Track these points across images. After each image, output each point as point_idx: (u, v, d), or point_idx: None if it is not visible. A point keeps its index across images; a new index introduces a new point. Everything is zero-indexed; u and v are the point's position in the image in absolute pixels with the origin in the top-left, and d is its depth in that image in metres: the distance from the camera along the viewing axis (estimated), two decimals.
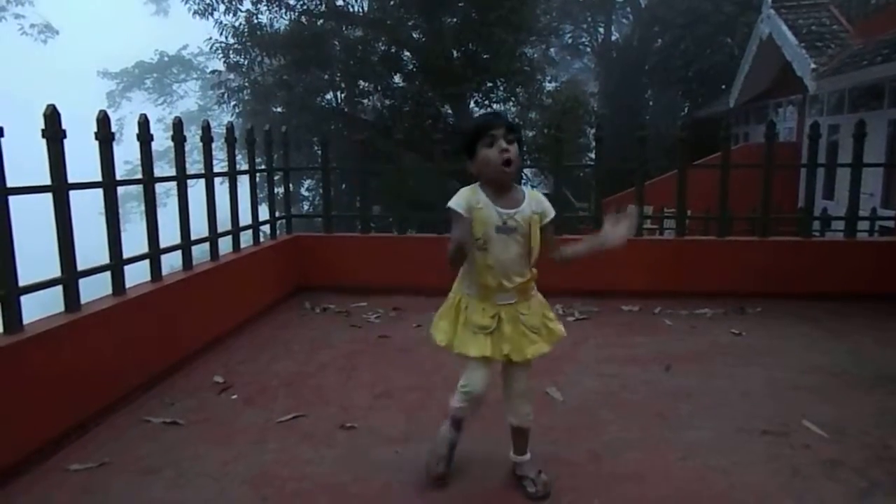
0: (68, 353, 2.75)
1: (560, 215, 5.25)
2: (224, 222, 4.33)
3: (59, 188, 2.84)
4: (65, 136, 2.84)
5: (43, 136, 2.78)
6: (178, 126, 3.82)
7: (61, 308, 2.89)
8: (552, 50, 21.96)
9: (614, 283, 4.94)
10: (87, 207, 4.42)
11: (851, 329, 4.13)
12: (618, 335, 4.10)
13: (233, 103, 15.56)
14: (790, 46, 11.41)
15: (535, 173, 19.83)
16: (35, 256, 5.15)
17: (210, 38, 15.43)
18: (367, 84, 15.39)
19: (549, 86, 17.54)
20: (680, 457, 2.52)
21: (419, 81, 14.86)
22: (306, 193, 16.75)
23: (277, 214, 5.43)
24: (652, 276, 4.96)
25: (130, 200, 23.38)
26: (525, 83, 15.30)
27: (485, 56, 14.65)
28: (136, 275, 3.42)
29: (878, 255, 4.95)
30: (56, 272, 2.86)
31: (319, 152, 6.63)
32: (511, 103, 16.01)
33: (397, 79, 15.59)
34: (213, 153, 4.16)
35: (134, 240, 3.73)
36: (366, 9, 15.55)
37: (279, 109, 15.14)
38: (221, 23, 15.06)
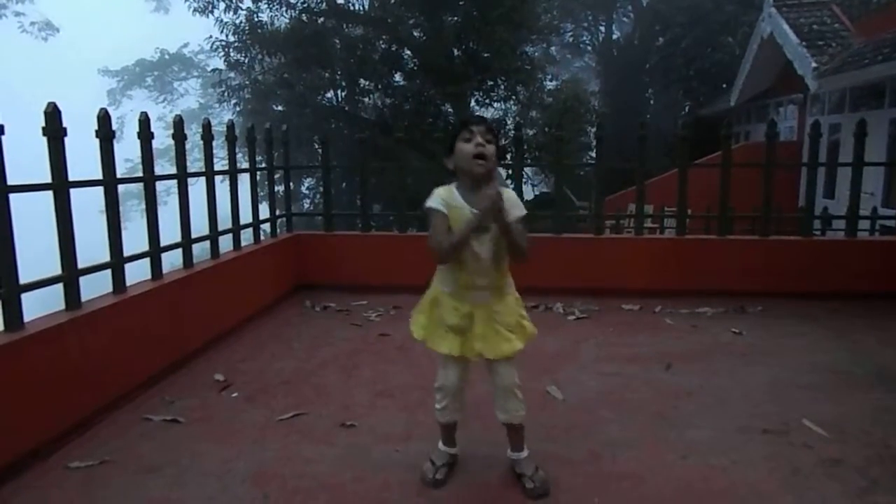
0: (69, 351, 2.75)
1: (561, 214, 5.26)
2: (224, 220, 4.33)
3: (60, 186, 2.84)
4: (65, 134, 2.84)
5: (44, 133, 2.78)
6: (178, 124, 3.82)
7: (62, 306, 2.89)
8: (553, 48, 21.97)
9: (615, 282, 4.94)
10: (87, 205, 4.41)
11: (852, 328, 4.12)
12: (618, 334, 4.10)
13: (233, 101, 15.56)
14: (791, 45, 11.40)
15: (536, 172, 19.82)
16: (36, 254, 5.16)
17: (210, 37, 15.44)
18: (367, 82, 15.39)
19: (550, 84, 17.54)
20: (680, 456, 2.52)
21: (420, 80, 14.85)
22: (307, 192, 16.76)
23: (278, 213, 5.43)
24: (652, 274, 4.96)
25: (131, 198, 23.39)
26: (526, 82, 15.30)
27: (485, 54, 14.64)
28: (137, 273, 3.42)
29: (878, 255, 4.95)
30: (57, 270, 2.86)
31: (320, 151, 6.64)
32: (512, 102, 16.02)
33: (398, 77, 15.59)
34: (214, 151, 4.16)
35: (134, 238, 3.73)
36: (366, 7, 15.55)
37: (280, 108, 15.14)
38: (222, 21, 15.07)
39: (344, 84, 15.64)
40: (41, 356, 2.60)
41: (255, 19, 14.92)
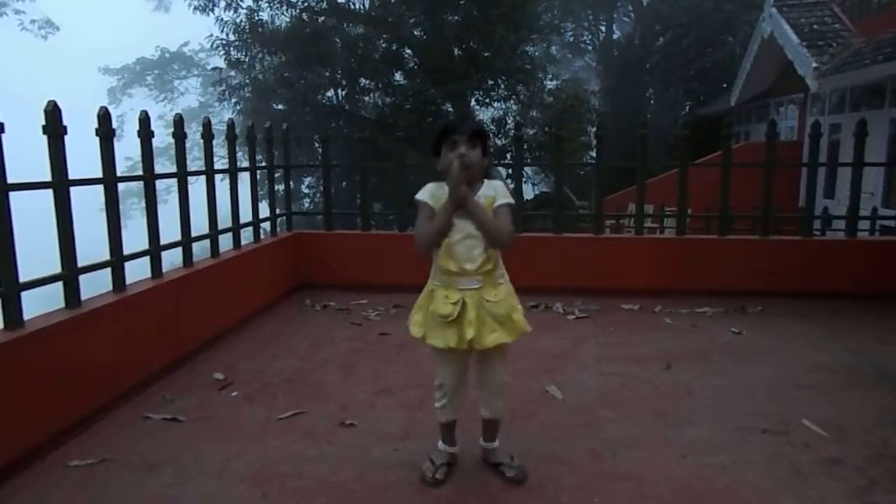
0: (69, 349, 2.75)
1: (561, 214, 5.25)
2: (224, 219, 4.33)
3: (60, 184, 2.84)
4: (65, 133, 2.84)
5: (44, 132, 2.78)
6: (178, 123, 3.82)
7: (62, 304, 2.89)
8: (553, 48, 21.94)
9: (615, 282, 4.94)
10: (87, 204, 4.41)
11: (852, 328, 4.12)
12: (618, 334, 4.10)
13: (234, 100, 15.56)
14: (791, 45, 11.39)
15: (536, 171, 19.81)
16: (36, 252, 5.16)
17: (211, 35, 15.44)
18: (368, 81, 15.39)
19: (551, 84, 17.53)
20: (680, 455, 2.52)
21: (420, 79, 14.86)
22: (307, 191, 16.76)
23: (278, 211, 5.43)
24: (652, 274, 4.96)
25: (131, 197, 23.35)
26: (526, 81, 15.30)
27: (486, 54, 14.64)
28: (137, 271, 3.42)
29: (878, 255, 4.95)
30: (56, 268, 2.86)
31: (320, 150, 6.63)
32: (512, 101, 16.02)
33: (398, 76, 15.59)
34: (214, 150, 4.15)
35: (134, 236, 3.73)
36: (367, 6, 15.55)
37: (280, 107, 15.14)
38: (222, 19, 15.07)
39: (344, 83, 15.64)
40: (41, 354, 2.60)
41: (256, 18, 14.92)
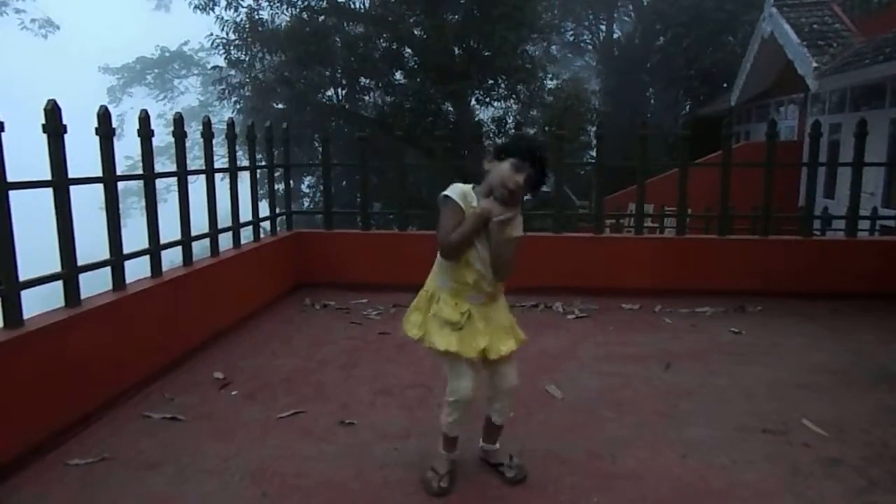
0: (68, 348, 2.75)
1: (561, 213, 5.25)
2: (224, 218, 4.33)
3: (60, 183, 2.84)
4: (65, 132, 2.83)
5: (43, 131, 2.77)
6: (178, 122, 3.82)
7: (62, 303, 2.89)
8: (554, 47, 21.95)
9: (615, 281, 4.94)
10: (87, 203, 4.42)
11: (851, 328, 4.13)
12: (618, 333, 4.10)
13: (234, 99, 15.55)
14: (792, 45, 11.39)
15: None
16: (35, 251, 5.16)
17: (211, 34, 15.43)
18: (368, 81, 15.39)
19: (551, 83, 17.52)
20: (679, 455, 2.52)
21: (420, 78, 14.85)
22: (307, 190, 16.76)
23: (278, 211, 5.43)
24: (652, 274, 4.96)
25: (131, 196, 23.35)
26: (526, 81, 15.29)
27: (486, 53, 14.63)
28: (137, 270, 3.42)
29: (878, 255, 4.95)
30: (56, 267, 2.86)
31: (320, 149, 6.63)
32: (512, 101, 16.01)
33: (399, 76, 15.59)
34: (214, 149, 4.15)
35: (134, 235, 3.72)
36: (367, 5, 15.55)
37: (280, 106, 15.13)
38: (223, 18, 15.06)
39: (344, 82, 15.63)
40: (41, 353, 2.60)
41: (256, 17, 14.92)
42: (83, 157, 4.05)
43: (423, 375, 3.32)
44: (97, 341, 2.93)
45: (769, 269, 4.88)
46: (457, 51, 14.89)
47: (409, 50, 15.39)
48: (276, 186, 5.58)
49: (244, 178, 4.63)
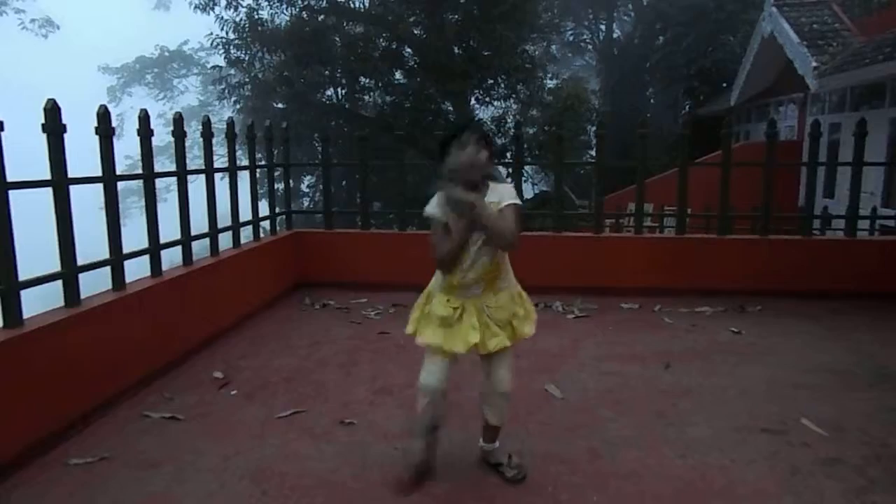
0: (68, 347, 2.75)
1: (560, 213, 5.25)
2: (224, 218, 4.33)
3: (60, 183, 2.84)
4: (65, 131, 2.84)
5: (43, 130, 2.78)
6: (178, 121, 3.82)
7: (61, 303, 2.89)
8: (554, 47, 21.94)
9: (614, 281, 4.95)
10: (87, 202, 4.42)
11: (851, 328, 4.13)
12: (617, 333, 4.10)
13: (233, 99, 15.55)
14: (792, 44, 11.39)
15: (536, 170, 19.81)
16: (35, 251, 5.16)
17: (211, 34, 15.42)
18: (367, 80, 15.39)
19: (551, 83, 17.53)
20: (679, 454, 2.52)
21: (420, 78, 14.85)
22: (306, 190, 16.76)
23: (277, 210, 5.43)
24: (652, 273, 4.96)
25: (131, 195, 23.34)
26: (526, 80, 15.29)
27: (486, 53, 14.63)
28: (137, 270, 3.42)
29: (878, 254, 4.95)
30: (56, 267, 2.86)
31: (320, 148, 6.63)
32: (512, 100, 16.02)
33: (398, 75, 15.59)
34: (214, 149, 4.15)
35: (134, 235, 3.73)
36: (367, 5, 15.54)
37: (280, 105, 15.13)
38: (222, 18, 15.05)
39: (344, 82, 15.63)
40: (40, 353, 2.60)
41: (256, 17, 14.91)
42: (83, 156, 4.05)
43: None
44: (97, 341, 2.93)
45: (769, 268, 4.88)
46: (456, 50, 14.89)
47: (408, 49, 15.39)
48: (275, 186, 5.58)
49: (244, 178, 4.63)
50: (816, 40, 11.11)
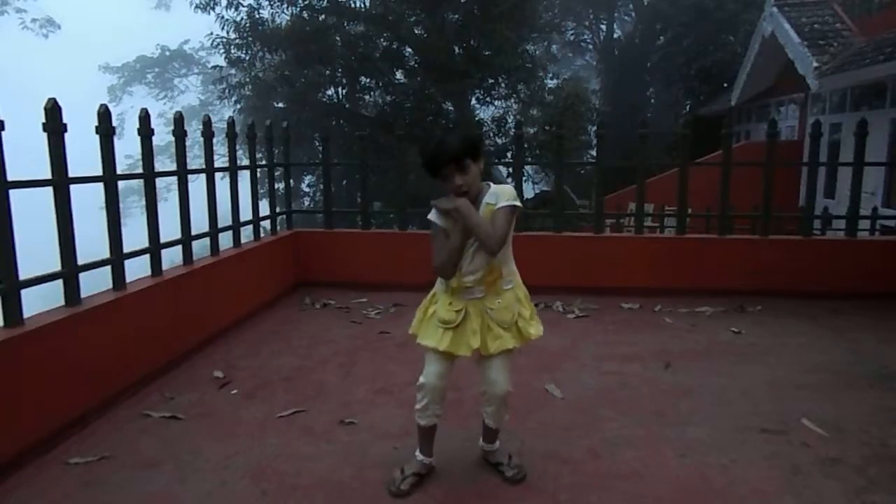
0: (68, 347, 2.75)
1: (561, 213, 5.25)
2: (224, 217, 4.33)
3: (60, 182, 2.84)
4: (66, 130, 2.84)
5: (44, 129, 2.78)
6: (179, 121, 3.82)
7: (62, 302, 2.89)
8: (554, 47, 21.98)
9: (615, 281, 4.94)
10: (87, 201, 4.42)
11: (851, 328, 4.13)
12: (618, 332, 4.10)
13: (234, 98, 15.56)
14: (792, 44, 11.38)
15: (537, 170, 19.82)
16: (36, 250, 5.16)
17: (211, 33, 15.43)
18: (368, 80, 15.40)
19: (551, 83, 17.56)
20: (679, 454, 2.52)
21: (421, 77, 14.86)
22: (307, 189, 16.77)
23: (278, 210, 5.43)
24: (652, 273, 4.96)
25: (131, 195, 23.38)
26: (527, 80, 15.31)
27: (486, 52, 14.64)
28: (137, 269, 3.42)
29: (878, 255, 4.95)
30: (56, 266, 2.86)
31: (320, 148, 6.63)
32: (513, 100, 16.04)
33: (399, 75, 15.60)
34: (214, 148, 4.16)
35: (134, 234, 3.73)
36: (367, 4, 15.54)
37: (280, 105, 15.14)
38: (223, 17, 15.06)
39: (345, 81, 15.64)
40: (41, 352, 2.60)
41: (257, 16, 14.92)
42: (84, 156, 4.05)
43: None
44: (97, 340, 2.93)
45: (769, 268, 4.88)
46: (457, 50, 14.90)
47: (409, 49, 15.40)
48: (276, 185, 5.58)
49: (244, 177, 4.63)
50: (817, 40, 11.10)
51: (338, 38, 14.74)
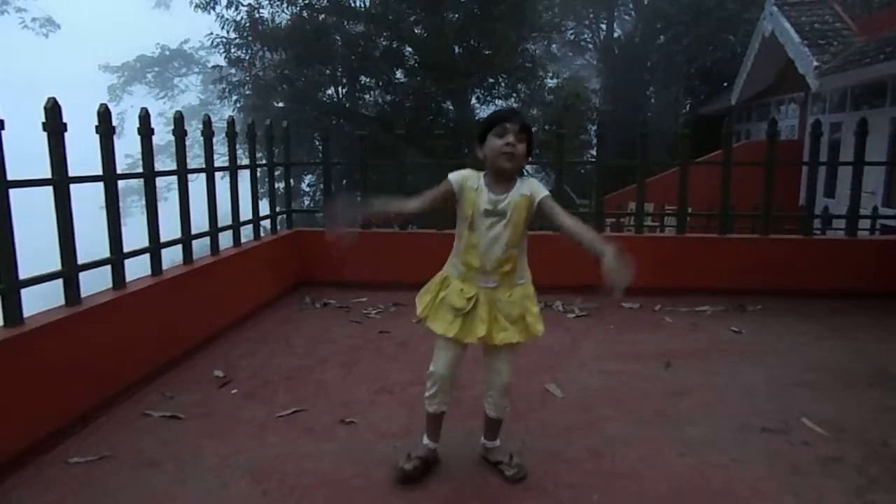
0: (68, 346, 2.75)
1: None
2: (224, 217, 4.33)
3: (60, 182, 2.84)
4: (65, 130, 2.83)
5: (44, 129, 2.77)
6: (179, 120, 3.82)
7: (62, 301, 2.89)
8: (554, 46, 21.95)
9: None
10: (87, 201, 4.41)
11: (851, 327, 4.12)
12: (618, 332, 4.10)
13: (234, 98, 15.55)
14: (793, 44, 11.38)
15: (537, 170, 19.81)
16: (35, 250, 5.15)
17: (211, 33, 15.43)
18: (368, 79, 15.39)
19: (551, 82, 17.53)
20: (679, 453, 2.52)
21: (421, 77, 14.85)
22: (307, 189, 16.75)
23: (278, 209, 5.43)
24: (653, 273, 4.95)
25: (131, 194, 23.38)
26: (527, 79, 15.30)
27: (486, 52, 14.64)
28: (137, 269, 3.42)
29: (878, 254, 4.95)
30: (56, 265, 2.86)
31: (320, 147, 6.63)
32: (513, 99, 16.01)
33: (399, 74, 15.59)
34: (214, 148, 4.15)
35: (134, 234, 3.73)
36: (367, 4, 15.53)
37: (280, 104, 15.13)
38: (223, 17, 15.05)
39: (345, 81, 15.63)
40: (41, 352, 2.60)
41: (257, 16, 14.91)
42: (84, 155, 4.05)
43: (424, 373, 3.30)
44: (97, 340, 2.93)
45: (769, 268, 4.88)
46: (457, 49, 14.90)
47: (409, 48, 15.39)
48: (276, 185, 5.58)
49: (244, 177, 4.63)
50: (817, 39, 11.09)
51: (338, 38, 14.73)
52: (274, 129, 5.14)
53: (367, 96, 16.05)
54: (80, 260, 2.94)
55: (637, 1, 24.11)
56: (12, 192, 2.56)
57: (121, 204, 3.30)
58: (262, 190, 5.11)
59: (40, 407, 2.59)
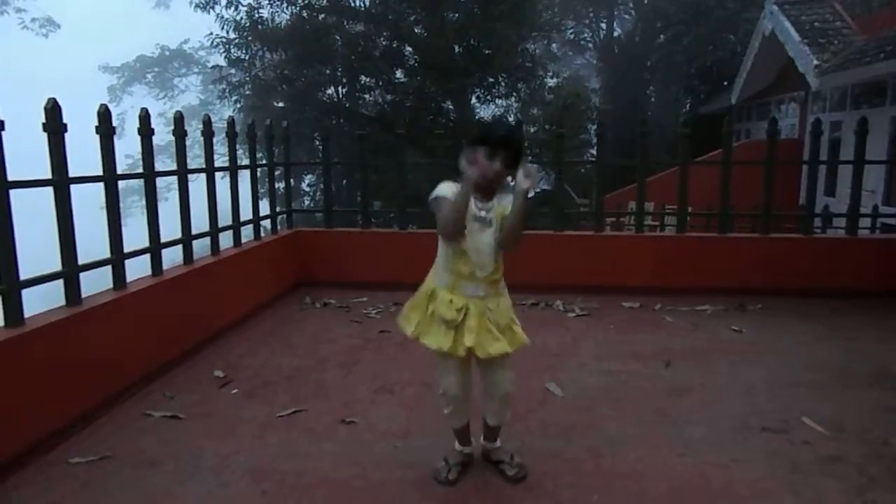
0: (69, 346, 2.76)
1: (561, 211, 5.25)
2: (225, 217, 4.33)
3: (61, 182, 2.84)
4: (66, 130, 2.84)
5: (44, 129, 2.78)
6: (179, 120, 3.82)
7: (62, 302, 2.89)
8: (554, 46, 21.92)
9: (615, 280, 4.94)
10: (88, 201, 4.42)
11: (852, 326, 4.12)
12: (618, 331, 4.10)
13: (234, 98, 15.53)
14: (793, 43, 11.37)
15: (537, 169, 19.79)
16: (36, 250, 5.16)
17: (211, 33, 15.41)
18: (368, 79, 15.37)
19: (551, 82, 17.51)
20: (679, 453, 2.52)
21: (421, 77, 14.84)
22: (307, 189, 16.74)
23: (278, 209, 5.43)
24: (653, 272, 4.96)
25: (132, 195, 23.38)
26: (527, 79, 15.29)
27: (486, 51, 14.63)
28: (137, 269, 3.42)
29: (879, 253, 4.95)
30: (57, 266, 2.86)
31: (320, 147, 6.63)
32: (513, 99, 16.02)
33: (399, 74, 15.58)
34: (214, 148, 4.16)
35: (135, 234, 3.73)
36: (367, 3, 15.52)
37: (280, 104, 15.12)
38: (223, 17, 15.04)
39: (345, 81, 15.61)
40: (41, 352, 2.60)
41: (256, 16, 14.89)
42: (84, 155, 4.05)
43: (424, 373, 3.32)
44: (98, 340, 2.93)
45: (769, 267, 4.88)
46: (457, 49, 14.88)
47: (409, 48, 15.38)
48: (276, 185, 5.58)
49: (244, 177, 4.63)
50: (817, 38, 11.09)
51: (338, 38, 14.72)
52: (274, 129, 5.14)
53: (367, 96, 16.05)
54: (81, 260, 2.94)
55: (637, 0, 24.10)
56: (13, 192, 2.56)
57: (121, 204, 3.30)
58: (262, 190, 5.11)
59: (41, 407, 2.59)
